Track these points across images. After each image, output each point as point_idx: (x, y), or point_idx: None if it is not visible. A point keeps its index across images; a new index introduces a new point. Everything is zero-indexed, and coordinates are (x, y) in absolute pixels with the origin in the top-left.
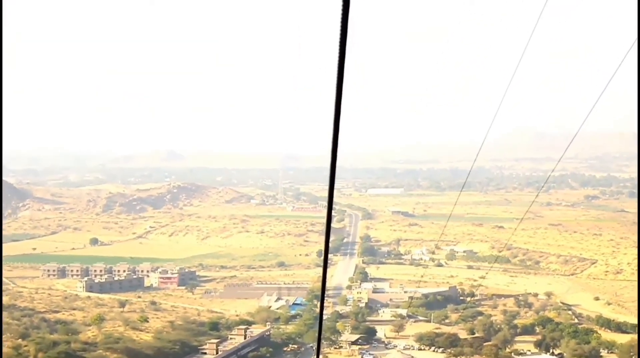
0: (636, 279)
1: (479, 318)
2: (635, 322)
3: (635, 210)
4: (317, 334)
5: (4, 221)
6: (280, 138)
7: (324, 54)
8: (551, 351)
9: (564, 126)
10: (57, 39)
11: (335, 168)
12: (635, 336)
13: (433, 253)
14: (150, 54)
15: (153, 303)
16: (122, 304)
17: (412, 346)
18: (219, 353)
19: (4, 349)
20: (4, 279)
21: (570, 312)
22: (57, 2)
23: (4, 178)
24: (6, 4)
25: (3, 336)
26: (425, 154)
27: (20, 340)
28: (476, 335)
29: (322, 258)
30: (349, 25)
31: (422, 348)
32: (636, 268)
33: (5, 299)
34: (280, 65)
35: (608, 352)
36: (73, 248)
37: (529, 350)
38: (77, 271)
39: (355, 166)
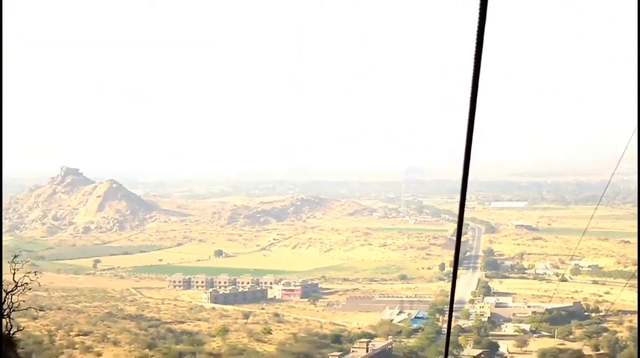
0: None
1: (604, 334)
2: None
3: None
4: (444, 348)
5: (132, 233)
6: (402, 150)
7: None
8: None
9: None
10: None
11: (467, 182)
12: None
13: (557, 267)
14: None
15: (276, 315)
16: (246, 315)
17: None
18: None
19: None
20: (131, 289)
21: None
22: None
23: (132, 191)
24: (6, 4)
25: (131, 345)
26: (550, 167)
27: (147, 349)
28: (601, 351)
29: (446, 271)
30: (484, 33)
31: None
32: None
33: (132, 309)
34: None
35: None
36: (198, 260)
37: None
38: (202, 282)
39: (478, 179)
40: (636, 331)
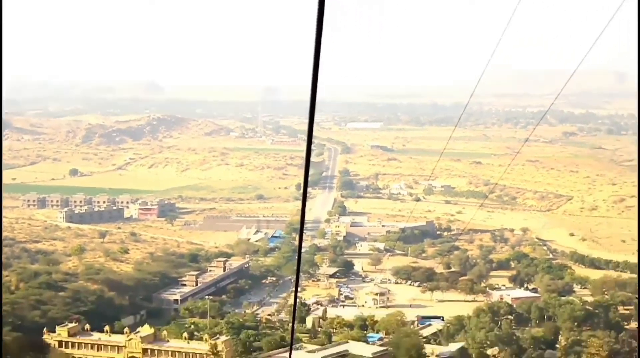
0: (611, 215)
1: (456, 253)
2: (610, 258)
3: (612, 147)
4: (295, 267)
5: None
6: (260, 69)
7: None
8: (525, 286)
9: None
10: None
11: (315, 101)
12: (609, 272)
13: (411, 188)
14: None
15: (133, 234)
16: (102, 235)
17: (388, 279)
18: (199, 285)
19: None
20: None
21: (545, 248)
22: None
23: None
24: (6, 4)
25: None
26: (406, 89)
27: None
28: (452, 269)
29: (302, 191)
30: None
31: (399, 281)
32: (612, 204)
33: None
34: None
35: (581, 288)
36: (52, 179)
37: (504, 285)
38: (57, 201)
39: (335, 100)
40: (486, 249)
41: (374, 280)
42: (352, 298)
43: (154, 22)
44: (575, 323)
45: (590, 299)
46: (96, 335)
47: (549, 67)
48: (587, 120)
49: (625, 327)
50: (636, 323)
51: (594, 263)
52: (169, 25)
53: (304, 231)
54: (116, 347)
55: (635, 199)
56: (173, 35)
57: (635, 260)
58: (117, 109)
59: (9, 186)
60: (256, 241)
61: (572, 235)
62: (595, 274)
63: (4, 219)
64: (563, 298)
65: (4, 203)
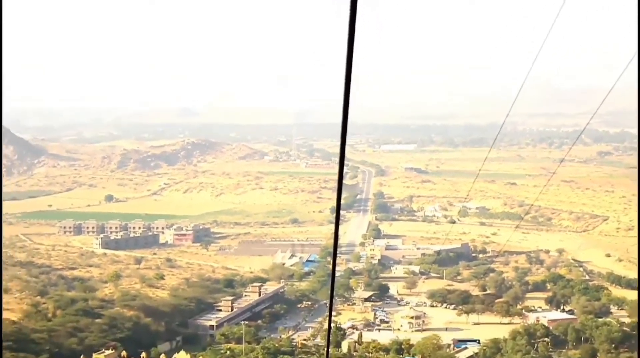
0: None
1: (491, 275)
2: None
3: None
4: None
5: (20, 178)
6: (293, 92)
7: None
8: (562, 308)
9: (577, 80)
10: None
11: (347, 123)
12: None
13: (446, 209)
14: (162, 15)
15: (168, 260)
16: (138, 261)
17: (424, 303)
18: (234, 310)
19: (24, 306)
20: (20, 235)
21: (581, 269)
22: None
23: (20, 135)
24: (6, 4)
25: (22, 293)
26: (439, 110)
27: (38, 297)
28: (488, 291)
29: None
30: None
31: (434, 305)
32: None
33: (22, 256)
34: (293, 20)
35: (618, 309)
36: (88, 205)
37: (540, 307)
38: (93, 228)
39: (369, 122)
40: (521, 271)
41: (409, 303)
42: (387, 322)
43: (186, 48)
44: (613, 345)
45: (627, 320)
46: None
47: (584, 85)
48: (622, 139)
49: None
50: None
51: (631, 284)
52: (202, 50)
53: (338, 255)
54: None
55: None
56: (206, 59)
57: None
58: (151, 134)
59: (46, 213)
60: (291, 265)
61: (608, 255)
62: (632, 295)
63: (41, 246)
64: (600, 319)
65: (41, 229)
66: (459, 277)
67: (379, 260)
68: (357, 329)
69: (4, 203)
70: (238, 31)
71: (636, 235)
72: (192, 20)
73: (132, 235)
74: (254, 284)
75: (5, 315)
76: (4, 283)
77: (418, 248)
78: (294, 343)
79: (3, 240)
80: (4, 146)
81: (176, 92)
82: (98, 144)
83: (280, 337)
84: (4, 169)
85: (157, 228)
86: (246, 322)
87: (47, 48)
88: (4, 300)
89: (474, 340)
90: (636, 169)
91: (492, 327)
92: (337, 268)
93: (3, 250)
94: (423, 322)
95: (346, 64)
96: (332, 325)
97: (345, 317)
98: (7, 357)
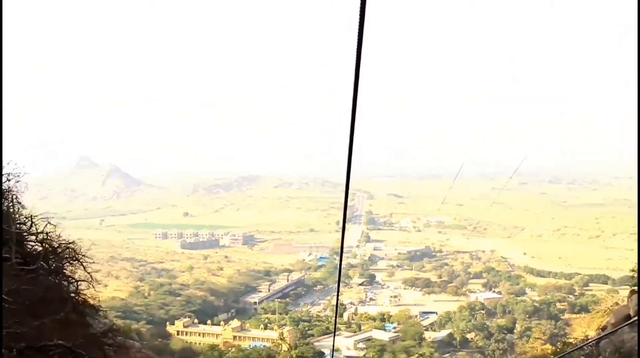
0: (550, 240)
1: (445, 267)
2: (550, 270)
3: (552, 193)
4: (337, 278)
5: (126, 200)
6: (317, 140)
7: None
8: (493, 290)
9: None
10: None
11: (351, 165)
12: (550, 279)
13: (414, 222)
14: (162, 15)
15: (225, 257)
16: (205, 257)
17: (399, 287)
18: (270, 291)
19: (129, 288)
20: (126, 240)
21: (506, 263)
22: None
23: (125, 170)
24: (6, 4)
25: (127, 279)
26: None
27: (138, 282)
28: (443, 279)
29: (340, 226)
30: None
31: (406, 288)
32: (551, 233)
33: (127, 254)
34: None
35: (531, 290)
36: (172, 219)
37: (478, 289)
38: (175, 234)
39: (362, 161)
40: (465, 265)
41: (389, 287)
42: (374, 300)
43: (186, 48)
44: (527, 316)
45: (537, 298)
46: (201, 327)
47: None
48: (535, 174)
49: (561, 317)
50: (570, 314)
51: (540, 274)
52: (201, 51)
53: (342, 254)
54: (215, 335)
55: (568, 228)
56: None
57: (567, 270)
58: (214, 173)
59: (144, 224)
60: (309, 260)
61: (524, 254)
62: (540, 281)
63: (140, 247)
64: (519, 298)
65: (140, 236)
66: (423, 269)
67: (369, 257)
68: (353, 304)
69: (117, 217)
70: (238, 36)
71: (543, 240)
72: (191, 20)
73: (201, 239)
74: (284, 273)
75: (115, 294)
76: (115, 272)
77: (395, 249)
78: (311, 314)
79: (114, 243)
80: (115, 179)
81: (176, 92)
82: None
83: (302, 310)
84: (116, 193)
85: (218, 235)
86: (278, 300)
87: (46, 48)
88: (115, 284)
89: (434, 312)
90: (544, 195)
91: (445, 303)
92: (342, 263)
93: (116, 251)
94: (399, 299)
95: (350, 123)
96: (339, 301)
97: (345, 296)
98: (118, 323)
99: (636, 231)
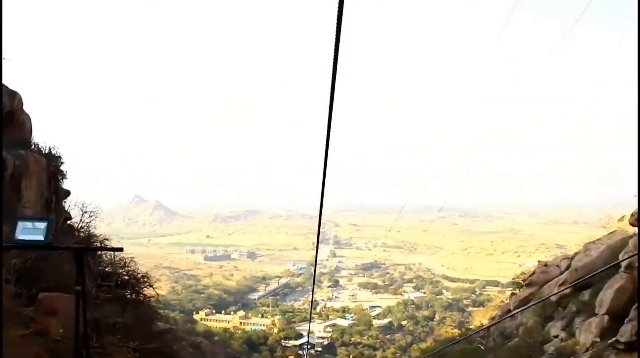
0: (459, 257)
1: (387, 275)
2: (458, 277)
3: (462, 223)
4: (312, 282)
5: (166, 226)
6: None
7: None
8: (420, 291)
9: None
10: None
11: (323, 204)
12: (459, 283)
13: (367, 244)
14: (162, 15)
15: (235, 267)
16: (220, 267)
17: (356, 288)
18: (266, 291)
19: (167, 288)
20: (165, 255)
21: (429, 272)
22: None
23: (165, 204)
24: (6, 4)
25: (167, 283)
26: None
27: (174, 283)
28: (385, 283)
29: (315, 246)
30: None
31: (360, 289)
32: (460, 251)
33: (167, 263)
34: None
35: (446, 291)
36: (197, 240)
37: (410, 290)
38: (199, 250)
39: (329, 202)
40: (401, 273)
41: (349, 288)
42: (338, 298)
43: (186, 48)
44: (443, 309)
45: (450, 297)
46: (217, 315)
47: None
48: (451, 210)
49: (466, 310)
50: (472, 308)
51: (452, 280)
52: (201, 51)
53: (316, 265)
54: (227, 321)
55: (472, 248)
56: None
57: (471, 277)
58: (229, 206)
59: (178, 243)
60: (293, 270)
61: (442, 265)
62: (452, 285)
63: (175, 259)
64: (437, 296)
65: (176, 251)
66: (372, 276)
67: (335, 267)
68: (324, 300)
69: (159, 238)
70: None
71: (454, 256)
72: (191, 20)
73: (218, 254)
74: (275, 279)
75: (159, 292)
76: (157, 277)
77: (353, 262)
78: (294, 307)
79: (158, 256)
80: (154, 211)
81: (176, 92)
82: (202, 208)
83: (288, 304)
84: (159, 221)
85: (230, 251)
86: (271, 297)
87: (46, 48)
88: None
89: (379, 306)
90: (456, 225)
91: (387, 300)
92: (316, 271)
93: (158, 261)
94: (355, 297)
95: (323, 167)
96: (313, 298)
97: (318, 295)
98: (159, 313)
99: (517, 250)
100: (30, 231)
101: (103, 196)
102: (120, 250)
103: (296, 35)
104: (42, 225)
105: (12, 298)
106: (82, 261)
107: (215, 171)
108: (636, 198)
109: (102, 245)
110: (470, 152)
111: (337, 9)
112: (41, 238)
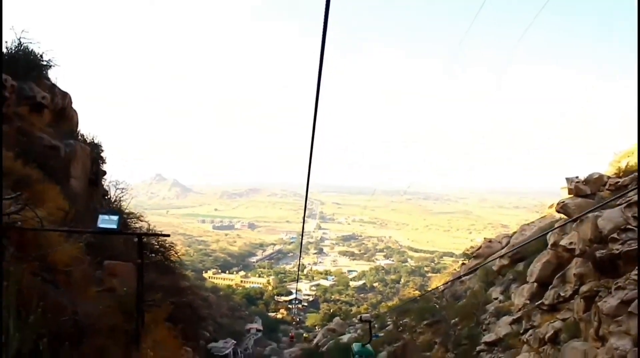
0: (423, 232)
1: (362, 245)
2: (421, 248)
3: (425, 204)
4: (299, 249)
5: (183, 201)
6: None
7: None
8: (389, 259)
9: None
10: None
11: (309, 182)
12: (422, 253)
13: (347, 219)
14: (162, 15)
15: (238, 235)
16: (226, 235)
17: (337, 256)
18: (262, 255)
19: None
20: (182, 223)
21: (397, 244)
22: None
23: (181, 182)
24: (6, 4)
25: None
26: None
27: (187, 247)
28: (362, 252)
29: (301, 218)
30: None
31: (340, 256)
32: (424, 227)
33: (181, 231)
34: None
35: (410, 260)
36: (207, 212)
37: (381, 258)
38: (209, 221)
39: (318, 183)
40: (374, 244)
41: (331, 256)
42: (322, 263)
43: (186, 48)
44: (408, 274)
45: (414, 264)
46: (223, 275)
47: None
48: (415, 193)
49: (426, 275)
50: (431, 274)
51: (416, 250)
52: (202, 51)
53: (303, 235)
54: (231, 279)
55: (433, 225)
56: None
57: (431, 249)
58: (234, 185)
59: (191, 215)
60: (286, 239)
61: (408, 239)
62: (416, 255)
63: (188, 227)
64: (403, 264)
65: (189, 221)
66: (350, 246)
67: (320, 238)
68: (310, 265)
69: (176, 210)
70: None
71: (418, 232)
72: (192, 21)
73: (224, 224)
74: (271, 246)
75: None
76: (174, 242)
77: (335, 234)
78: (286, 270)
79: (175, 225)
80: (170, 188)
81: (176, 92)
82: (213, 188)
83: (280, 267)
84: (176, 195)
85: (234, 222)
86: (267, 260)
87: (46, 48)
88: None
89: (355, 270)
90: (420, 206)
91: (362, 266)
92: (303, 241)
93: (175, 229)
94: (336, 263)
95: (309, 164)
96: (301, 262)
97: (305, 260)
98: (183, 275)
99: (469, 228)
100: (107, 221)
101: (130, 174)
102: (168, 235)
103: (296, 36)
104: (115, 218)
105: (89, 265)
106: (141, 242)
107: (216, 171)
108: (565, 189)
109: (140, 220)
110: (470, 152)
111: (324, 6)
112: (114, 226)
